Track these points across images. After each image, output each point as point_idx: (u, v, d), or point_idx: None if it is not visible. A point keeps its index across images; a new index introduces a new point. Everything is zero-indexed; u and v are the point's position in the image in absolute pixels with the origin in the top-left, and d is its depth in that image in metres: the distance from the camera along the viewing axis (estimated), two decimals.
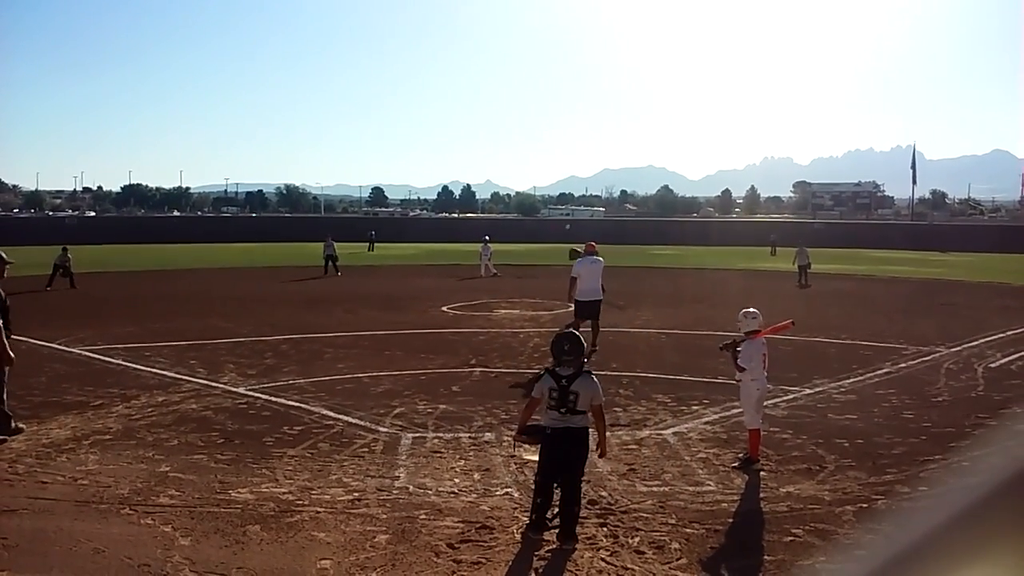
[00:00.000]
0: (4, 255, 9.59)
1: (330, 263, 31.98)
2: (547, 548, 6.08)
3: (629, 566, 5.72)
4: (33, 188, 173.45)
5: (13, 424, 9.07)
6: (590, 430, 6.36)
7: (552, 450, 6.28)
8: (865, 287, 29.51)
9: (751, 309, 8.36)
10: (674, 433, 9.28)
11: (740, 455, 8.21)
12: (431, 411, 10.20)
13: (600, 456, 6.59)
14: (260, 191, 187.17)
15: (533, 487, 6.48)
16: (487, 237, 33.94)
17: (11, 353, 9.07)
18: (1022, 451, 0.74)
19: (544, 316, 19.73)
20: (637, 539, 6.20)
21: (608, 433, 8.88)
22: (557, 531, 6.17)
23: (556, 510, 6.31)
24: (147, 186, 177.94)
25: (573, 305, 14.73)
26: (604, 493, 7.26)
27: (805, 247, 30.14)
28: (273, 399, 10.84)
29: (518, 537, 6.25)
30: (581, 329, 15.56)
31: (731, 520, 6.58)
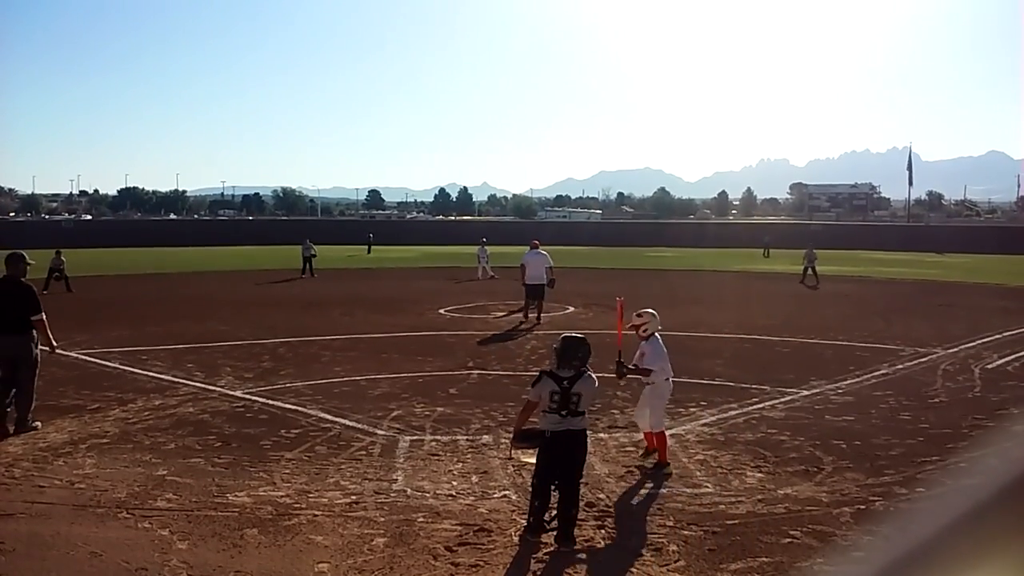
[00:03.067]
0: (26, 255, 9.90)
1: (308, 264, 32.47)
2: (545, 551, 6.08)
3: (627, 568, 5.72)
4: (29, 191, 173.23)
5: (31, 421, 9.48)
6: (587, 430, 6.41)
7: (551, 453, 6.27)
8: (862, 288, 29.56)
9: (651, 309, 8.50)
10: (671, 435, 9.26)
11: (650, 464, 8.05)
12: (428, 414, 10.20)
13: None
14: (256, 194, 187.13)
15: (531, 489, 6.48)
16: (484, 240, 34.03)
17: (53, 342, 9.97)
18: (1019, 452, 0.74)
19: (542, 318, 19.70)
20: (635, 541, 6.20)
21: (606, 435, 8.92)
22: (555, 534, 6.18)
23: (554, 512, 6.31)
24: (143, 189, 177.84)
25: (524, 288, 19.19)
26: (602, 495, 7.26)
27: (812, 248, 31.17)
28: (270, 402, 10.82)
29: (516, 540, 6.24)
30: (530, 311, 18.98)
31: (729, 522, 6.58)
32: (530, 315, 19.09)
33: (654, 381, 8.18)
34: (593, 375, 6.41)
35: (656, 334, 8.37)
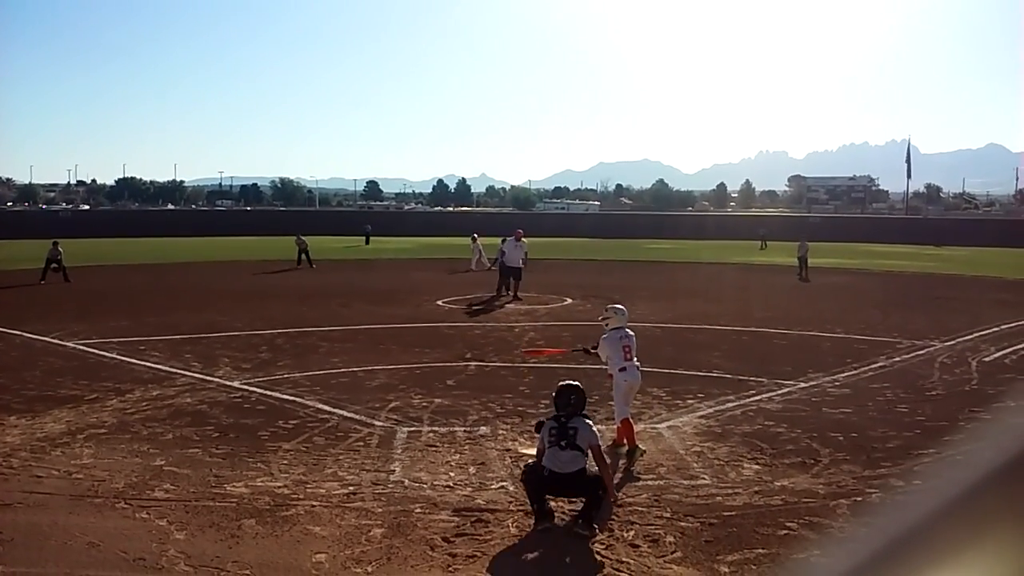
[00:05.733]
0: None
1: (305, 255, 33.15)
2: (542, 541, 6.10)
3: (624, 559, 5.74)
4: (27, 181, 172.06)
5: None
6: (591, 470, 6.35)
7: (546, 489, 6.34)
8: (860, 281, 29.57)
9: (618, 304, 9.13)
10: (669, 427, 9.30)
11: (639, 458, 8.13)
12: (426, 405, 10.21)
13: (613, 502, 6.49)
14: (254, 184, 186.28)
15: (525, 489, 6.50)
16: (475, 235, 34.21)
17: None
18: (1015, 445, 0.74)
19: (539, 310, 19.74)
20: (632, 532, 6.22)
21: (603, 427, 8.94)
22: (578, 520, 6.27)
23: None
24: (141, 179, 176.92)
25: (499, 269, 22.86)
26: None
27: (805, 240, 31.04)
28: (268, 393, 10.83)
29: (513, 530, 6.26)
30: (508, 292, 21.98)
31: (726, 513, 6.60)
32: (508, 293, 22.17)
33: (608, 371, 8.53)
34: (591, 421, 6.57)
35: (623, 328, 8.69)
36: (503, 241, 23.69)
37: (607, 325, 8.71)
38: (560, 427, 6.42)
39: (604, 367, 8.86)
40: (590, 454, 6.39)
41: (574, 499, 6.43)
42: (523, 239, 22.99)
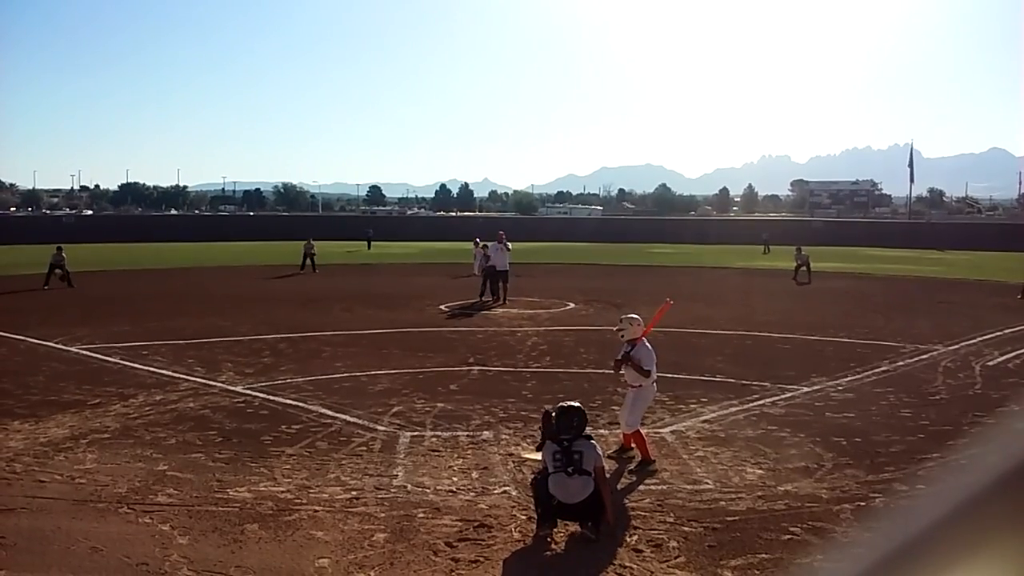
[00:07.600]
0: None
1: (309, 260, 33.28)
2: (545, 546, 6.09)
3: (627, 564, 5.73)
4: (30, 187, 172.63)
5: None
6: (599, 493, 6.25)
7: (557, 516, 6.25)
8: (863, 285, 29.53)
9: (634, 315, 8.72)
10: (672, 431, 9.29)
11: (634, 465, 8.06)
12: (429, 409, 10.20)
13: (609, 523, 6.29)
14: (257, 189, 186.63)
15: (532, 493, 6.48)
16: (477, 239, 34.32)
17: None
18: (1019, 449, 0.74)
19: (542, 315, 19.72)
20: (635, 537, 6.21)
21: (606, 431, 8.93)
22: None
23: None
24: (144, 184, 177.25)
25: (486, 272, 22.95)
26: None
27: (801, 249, 31.28)
28: (271, 398, 10.83)
29: (516, 535, 6.25)
30: (493, 297, 22.02)
31: (729, 518, 6.59)
32: (492, 297, 22.38)
33: (641, 384, 8.26)
34: (595, 442, 6.45)
35: (644, 339, 8.44)
36: (486, 247, 24.34)
37: (623, 336, 8.47)
38: (564, 451, 6.28)
39: (611, 372, 8.81)
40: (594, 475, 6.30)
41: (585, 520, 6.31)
42: (506, 241, 23.27)
